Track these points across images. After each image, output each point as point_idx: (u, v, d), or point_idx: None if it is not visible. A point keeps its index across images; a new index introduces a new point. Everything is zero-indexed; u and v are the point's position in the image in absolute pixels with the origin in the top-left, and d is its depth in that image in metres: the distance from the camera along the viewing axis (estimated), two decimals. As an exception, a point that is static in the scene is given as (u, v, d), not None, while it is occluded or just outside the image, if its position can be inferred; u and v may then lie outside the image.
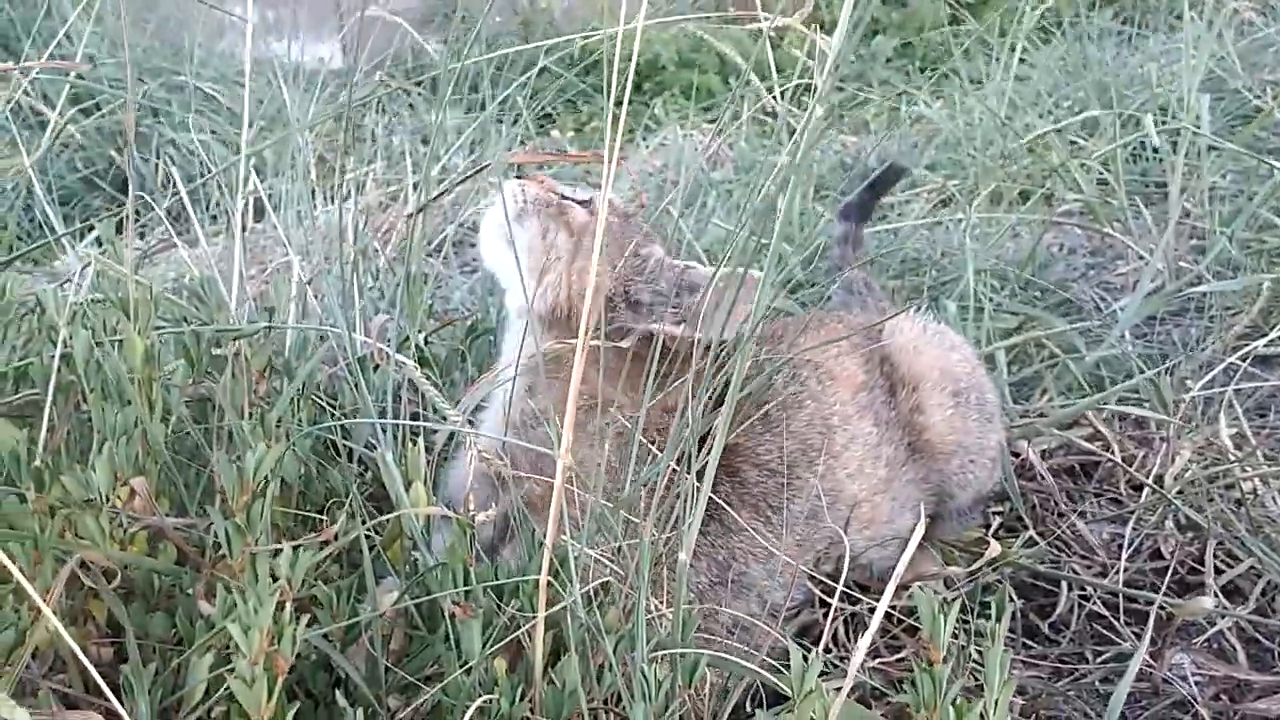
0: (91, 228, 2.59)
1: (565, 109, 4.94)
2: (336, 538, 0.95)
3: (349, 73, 4.75)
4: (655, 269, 1.31)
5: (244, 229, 2.82)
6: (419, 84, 4.70)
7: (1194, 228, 2.58)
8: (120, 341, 1.11)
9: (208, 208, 3.33)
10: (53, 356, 1.13)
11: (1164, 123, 3.20)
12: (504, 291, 1.37)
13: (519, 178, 1.38)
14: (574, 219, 1.33)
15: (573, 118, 4.83)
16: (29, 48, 4.16)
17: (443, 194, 1.58)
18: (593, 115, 4.88)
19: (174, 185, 3.10)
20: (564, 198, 1.37)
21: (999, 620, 0.74)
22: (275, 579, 0.88)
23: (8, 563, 0.76)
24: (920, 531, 1.17)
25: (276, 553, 0.89)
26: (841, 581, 1.29)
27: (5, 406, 1.09)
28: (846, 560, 1.31)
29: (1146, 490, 1.55)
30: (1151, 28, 4.98)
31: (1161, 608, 1.29)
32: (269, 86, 4.64)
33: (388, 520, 1.04)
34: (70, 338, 1.12)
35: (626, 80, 0.93)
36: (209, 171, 3.67)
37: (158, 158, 3.89)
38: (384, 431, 1.05)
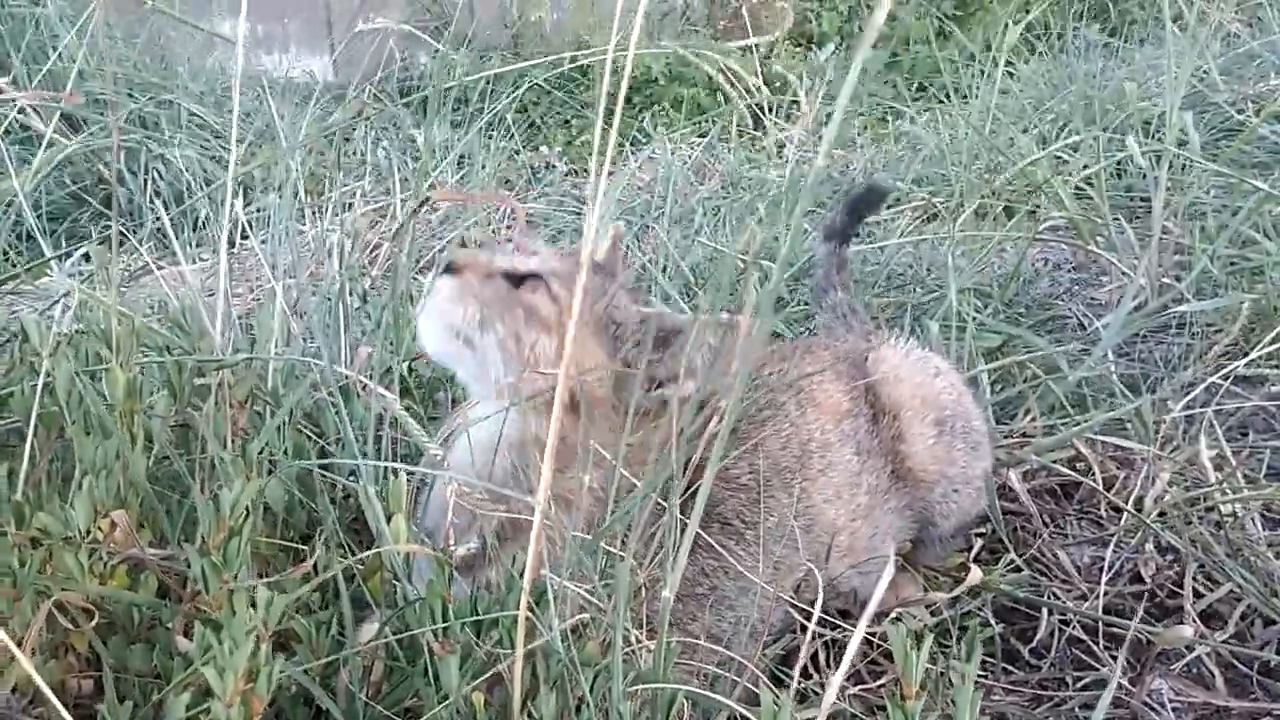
0: (81, 249, 2.58)
1: (555, 123, 4.95)
2: (316, 571, 0.95)
3: (343, 90, 4.76)
4: (635, 324, 1.21)
5: (231, 247, 2.82)
6: (408, 99, 4.71)
7: (1177, 243, 2.59)
8: (103, 372, 1.11)
9: (195, 227, 3.33)
10: (34, 386, 1.13)
11: (1148, 138, 3.23)
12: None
13: (451, 270, 1.20)
14: (546, 313, 1.17)
15: (562, 131, 4.84)
16: (19, 62, 4.17)
17: (419, 209, 1.56)
18: (582, 129, 4.89)
19: (161, 205, 3.11)
20: (519, 277, 1.19)
21: (970, 660, 0.74)
22: (253, 615, 0.89)
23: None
24: (892, 562, 1.17)
25: (256, 587, 0.89)
26: (819, 607, 1.30)
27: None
28: (822, 584, 1.32)
29: (1126, 514, 1.56)
30: (1136, 39, 5.02)
31: (1141, 635, 1.30)
32: (259, 101, 4.66)
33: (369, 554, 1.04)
34: (53, 369, 1.13)
35: (619, 95, 0.93)
36: (197, 189, 3.68)
37: (146, 173, 3.89)
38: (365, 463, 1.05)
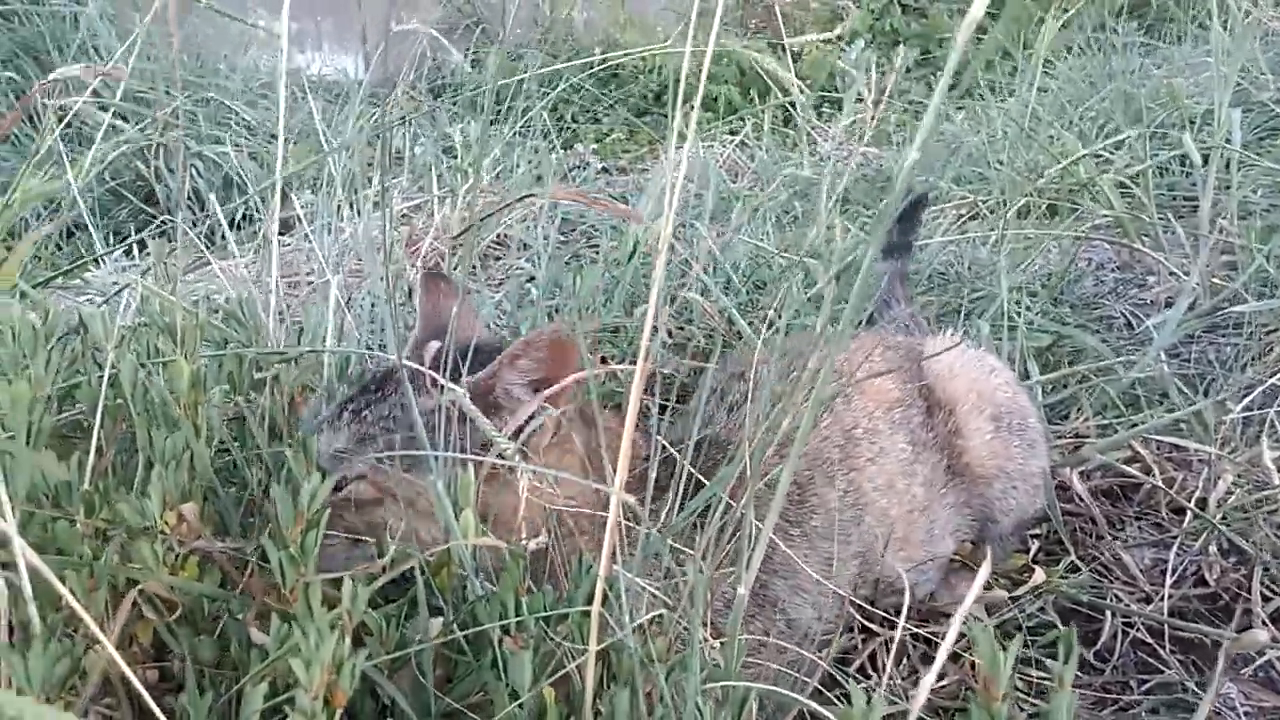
0: (135, 242, 2.60)
1: (586, 119, 4.95)
2: (388, 568, 0.95)
3: (375, 88, 4.78)
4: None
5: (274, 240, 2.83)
6: (438, 96, 4.72)
7: (1225, 243, 2.56)
8: (164, 364, 1.11)
9: (234, 224, 3.35)
10: (100, 379, 1.13)
11: (1194, 136, 3.18)
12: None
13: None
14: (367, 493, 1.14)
15: (594, 129, 4.83)
16: (61, 61, 4.20)
17: (489, 216, 1.56)
18: (613, 128, 4.88)
19: (209, 200, 3.12)
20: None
21: (1067, 661, 0.73)
22: (332, 608, 0.89)
23: (66, 593, 0.76)
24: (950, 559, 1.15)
25: (333, 582, 0.89)
26: (879, 605, 1.29)
27: (50, 429, 1.09)
28: (879, 581, 1.30)
29: (1189, 515, 1.54)
30: (1174, 38, 4.96)
31: (1209, 638, 1.28)
32: (295, 99, 4.67)
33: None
34: (117, 361, 1.13)
35: (684, 101, 0.92)
36: (236, 184, 3.70)
37: (184, 170, 3.91)
38: (435, 459, 1.05)
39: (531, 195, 1.78)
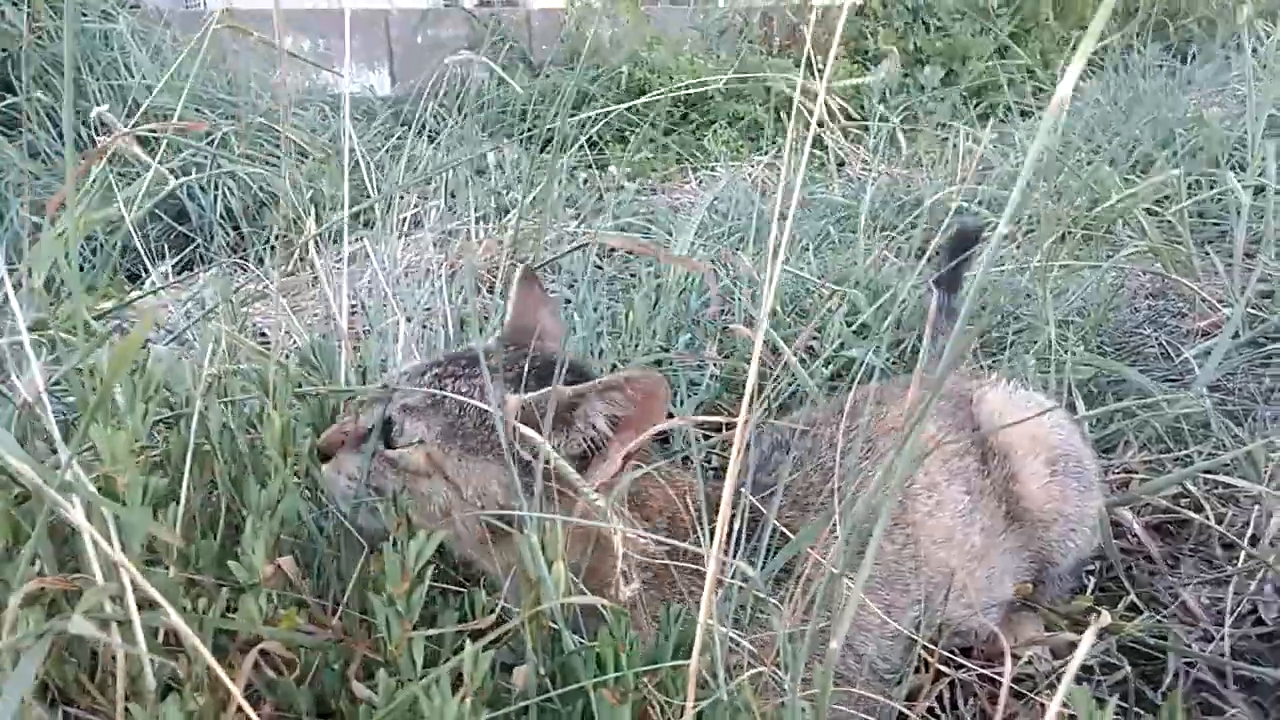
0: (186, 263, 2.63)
1: (612, 137, 4.97)
2: (493, 626, 0.96)
3: (400, 104, 4.81)
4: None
5: (303, 259, 2.84)
6: (465, 113, 4.75)
7: (1262, 272, 2.57)
8: (258, 416, 1.13)
9: (267, 242, 3.38)
10: (189, 428, 1.15)
11: (1224, 161, 3.20)
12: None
13: (322, 456, 1.19)
14: (417, 462, 1.15)
15: (621, 146, 4.86)
16: (92, 79, 4.25)
17: (540, 266, 1.58)
18: (640, 146, 4.90)
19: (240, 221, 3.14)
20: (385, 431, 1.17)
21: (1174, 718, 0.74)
22: (428, 660, 0.91)
23: (205, 652, 0.78)
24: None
25: (434, 638, 0.91)
26: (941, 646, 1.30)
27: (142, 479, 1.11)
28: (939, 625, 1.32)
29: (1243, 553, 1.55)
30: (1198, 61, 4.98)
31: (1271, 678, 1.29)
32: (322, 117, 4.71)
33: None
34: (205, 409, 1.15)
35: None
36: (268, 205, 3.73)
37: (215, 189, 3.95)
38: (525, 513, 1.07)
39: (584, 245, 1.79)
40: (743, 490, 1.10)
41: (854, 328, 2.23)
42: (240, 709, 1.06)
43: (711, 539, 0.87)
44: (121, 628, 0.88)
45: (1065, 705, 0.84)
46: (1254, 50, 3.63)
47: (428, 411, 1.17)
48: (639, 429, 1.11)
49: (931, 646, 1.30)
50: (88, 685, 0.95)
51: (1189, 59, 5.01)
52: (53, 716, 0.93)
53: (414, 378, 1.21)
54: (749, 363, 2.06)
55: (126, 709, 0.87)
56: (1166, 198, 3.06)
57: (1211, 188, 3.17)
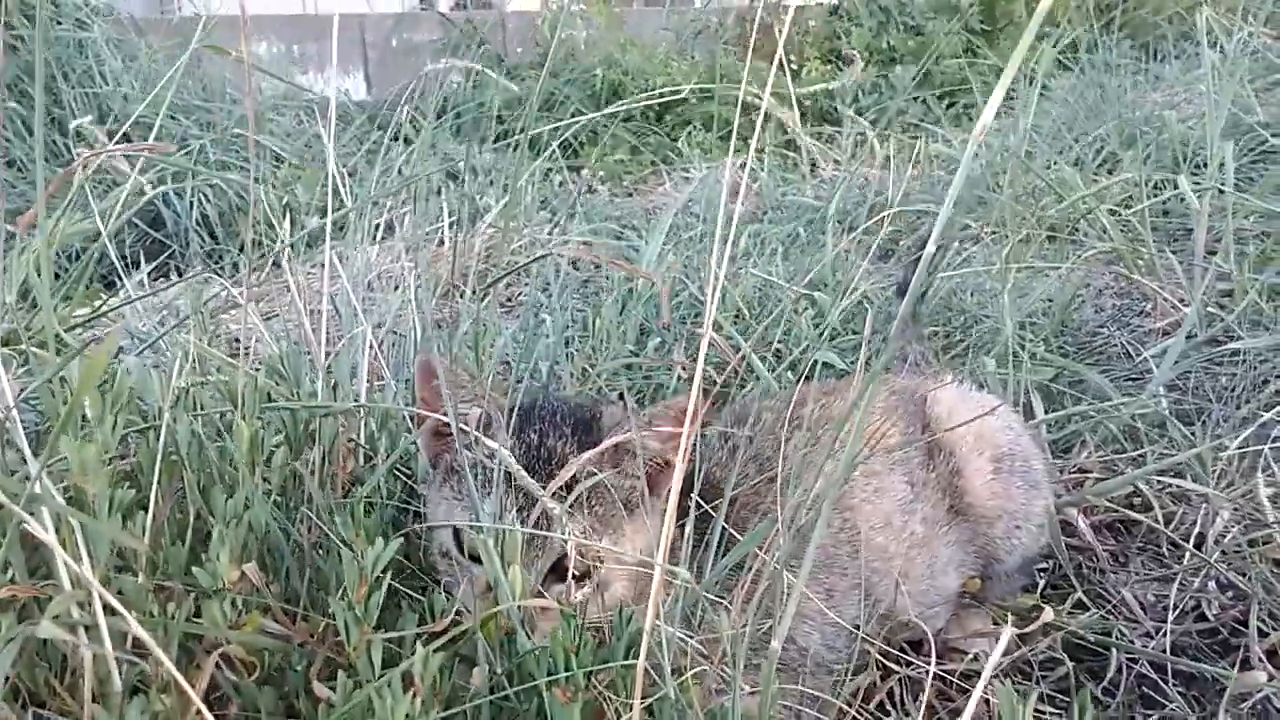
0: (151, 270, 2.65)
1: (586, 139, 5.00)
2: (445, 630, 1.00)
3: (376, 108, 4.83)
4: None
5: (277, 265, 2.87)
6: (440, 116, 4.77)
7: (1221, 270, 2.63)
8: (227, 427, 1.16)
9: (242, 249, 3.40)
10: (156, 438, 1.18)
11: (1186, 162, 3.26)
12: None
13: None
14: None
15: (595, 149, 4.89)
16: (67, 86, 4.25)
17: (506, 275, 1.62)
18: (615, 146, 4.94)
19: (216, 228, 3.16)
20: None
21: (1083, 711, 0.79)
22: (387, 663, 0.95)
23: (162, 655, 0.81)
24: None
25: (396, 639, 0.95)
26: (893, 643, 1.35)
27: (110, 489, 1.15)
28: (884, 614, 1.36)
29: (1189, 553, 1.60)
30: (1165, 56, 5.04)
31: (1210, 674, 1.34)
32: (298, 122, 4.72)
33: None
34: (174, 420, 1.19)
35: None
36: (242, 212, 3.74)
37: (191, 195, 3.96)
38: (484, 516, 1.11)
39: (548, 255, 1.83)
40: (692, 495, 1.14)
41: (820, 330, 2.27)
42: (209, 707, 1.10)
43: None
44: (89, 632, 0.91)
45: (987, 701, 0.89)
46: (1220, 47, 3.69)
47: (576, 514, 1.16)
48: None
49: (877, 643, 1.34)
50: (57, 687, 0.98)
51: (1158, 55, 5.07)
52: (23, 718, 0.96)
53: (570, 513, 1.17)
54: (716, 366, 2.11)
55: (93, 712, 0.90)
56: (1131, 198, 3.12)
57: (1175, 188, 3.23)
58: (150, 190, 3.41)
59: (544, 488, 1.11)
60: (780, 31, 5.40)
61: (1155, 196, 3.15)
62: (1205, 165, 3.19)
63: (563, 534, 1.11)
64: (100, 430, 1.08)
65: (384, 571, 0.96)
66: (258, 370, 1.41)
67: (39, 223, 1.03)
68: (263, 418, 1.31)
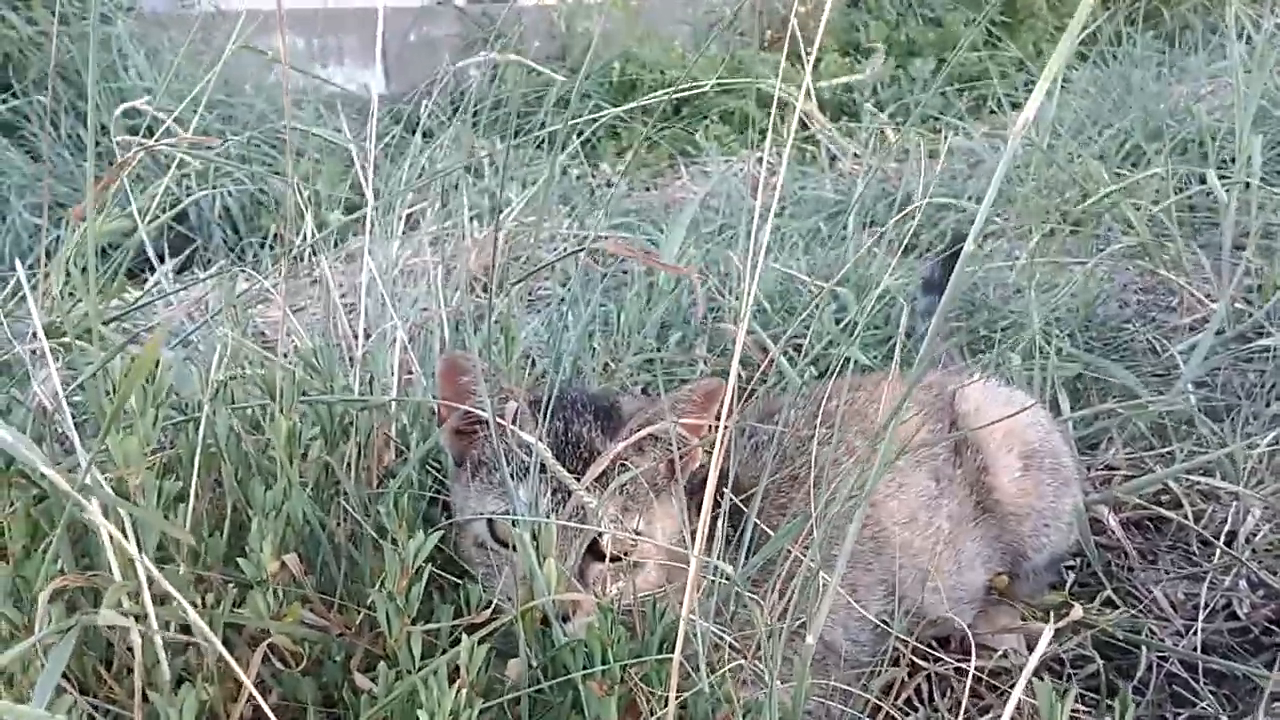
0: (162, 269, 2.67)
1: (605, 133, 5.00)
2: (487, 621, 1.01)
3: (395, 102, 4.84)
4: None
5: (301, 261, 2.88)
6: (458, 110, 4.78)
7: (1247, 266, 2.61)
8: (265, 420, 1.18)
9: (265, 244, 3.42)
10: (196, 430, 1.20)
11: (1213, 156, 3.23)
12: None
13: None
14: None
15: (613, 143, 4.88)
16: (90, 81, 4.27)
17: (529, 275, 1.62)
18: (632, 141, 4.93)
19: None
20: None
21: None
22: (425, 653, 0.96)
23: (219, 646, 0.83)
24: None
25: (431, 631, 0.96)
26: (921, 639, 1.35)
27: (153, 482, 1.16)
28: (911, 611, 1.36)
29: (1219, 551, 1.60)
30: (1190, 45, 4.99)
31: (1244, 673, 1.34)
32: (319, 116, 4.73)
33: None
34: (213, 413, 1.20)
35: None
36: (267, 206, 3.76)
37: (213, 188, 3.98)
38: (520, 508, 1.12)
39: (580, 250, 1.83)
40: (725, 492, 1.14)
41: (843, 326, 2.27)
42: (250, 697, 1.12)
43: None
44: (138, 622, 0.93)
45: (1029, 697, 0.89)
46: (1248, 38, 3.65)
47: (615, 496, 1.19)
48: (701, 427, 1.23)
49: (906, 639, 1.35)
50: (105, 676, 1.00)
51: (1182, 46, 5.02)
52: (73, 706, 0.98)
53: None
54: (741, 363, 2.11)
55: (145, 698, 0.91)
56: (1157, 191, 3.10)
57: (1202, 182, 3.21)
58: (186, 185, 3.44)
59: (574, 474, 1.14)
60: (795, 24, 5.39)
61: (1181, 191, 3.13)
62: (1233, 159, 3.17)
63: (598, 516, 1.12)
64: (142, 423, 1.09)
65: (426, 562, 0.97)
66: (294, 365, 1.42)
67: (88, 216, 1.05)
68: (299, 411, 1.32)
